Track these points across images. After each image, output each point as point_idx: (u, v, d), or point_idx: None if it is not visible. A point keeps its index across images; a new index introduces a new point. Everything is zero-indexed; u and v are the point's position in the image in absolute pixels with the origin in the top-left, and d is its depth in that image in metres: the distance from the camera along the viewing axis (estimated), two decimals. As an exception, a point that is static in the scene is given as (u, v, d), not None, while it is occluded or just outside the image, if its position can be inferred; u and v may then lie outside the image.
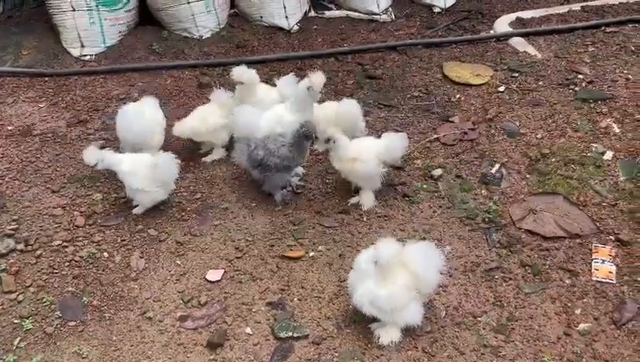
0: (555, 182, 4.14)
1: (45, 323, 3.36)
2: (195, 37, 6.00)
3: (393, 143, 3.95)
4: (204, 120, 4.36)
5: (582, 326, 3.27)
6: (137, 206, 4.02)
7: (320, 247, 3.78)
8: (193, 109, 4.50)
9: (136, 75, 5.49)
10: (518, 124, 4.71)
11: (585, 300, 3.40)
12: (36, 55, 5.74)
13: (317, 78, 4.04)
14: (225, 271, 3.63)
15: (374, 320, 3.22)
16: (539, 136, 4.57)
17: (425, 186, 4.20)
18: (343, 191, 4.17)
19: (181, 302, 3.47)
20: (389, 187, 4.16)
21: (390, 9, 6.45)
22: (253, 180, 4.18)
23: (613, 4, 6.25)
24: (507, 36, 5.88)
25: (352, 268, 3.25)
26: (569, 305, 3.39)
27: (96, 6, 5.66)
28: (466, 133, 4.65)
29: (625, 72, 5.19)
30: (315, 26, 6.29)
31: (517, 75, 5.29)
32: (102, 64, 5.65)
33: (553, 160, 4.33)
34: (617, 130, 4.55)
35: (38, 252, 3.75)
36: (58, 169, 4.41)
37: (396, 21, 6.34)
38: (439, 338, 3.23)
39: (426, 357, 3.15)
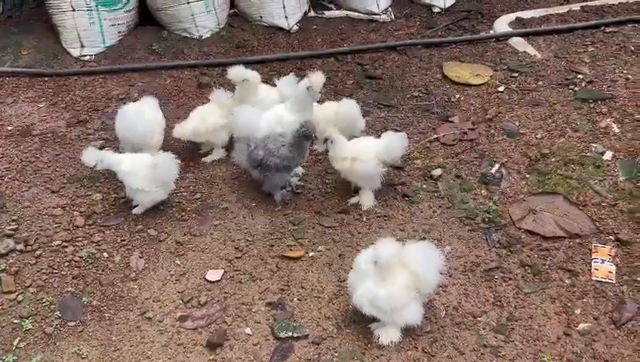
0: (555, 182, 4.14)
1: (45, 323, 3.35)
2: (194, 37, 6.00)
3: (393, 143, 3.94)
4: (204, 120, 4.36)
5: (582, 326, 3.27)
6: (137, 206, 4.01)
7: (320, 247, 3.78)
8: (193, 109, 4.50)
9: (135, 75, 5.49)
10: (517, 124, 4.71)
11: (585, 300, 3.40)
12: (36, 55, 5.74)
13: (317, 78, 4.03)
14: (225, 271, 3.63)
15: (374, 320, 3.22)
16: (538, 136, 4.57)
17: (425, 186, 4.20)
18: (343, 191, 4.17)
19: (181, 302, 3.47)
20: (388, 187, 4.15)
21: (390, 9, 6.45)
22: (253, 180, 4.18)
23: (613, 4, 6.25)
24: (507, 36, 5.88)
25: (351, 268, 3.25)
26: (569, 304, 3.38)
27: (96, 6, 5.66)
28: (465, 133, 4.65)
29: (624, 72, 5.19)
30: (315, 26, 6.29)
31: (517, 75, 5.29)
32: (101, 64, 5.65)
33: (553, 160, 4.33)
34: (617, 130, 4.54)
35: (38, 252, 3.75)
36: (58, 169, 4.41)
37: (396, 21, 6.34)
38: (439, 338, 3.23)
39: (425, 357, 3.14)
